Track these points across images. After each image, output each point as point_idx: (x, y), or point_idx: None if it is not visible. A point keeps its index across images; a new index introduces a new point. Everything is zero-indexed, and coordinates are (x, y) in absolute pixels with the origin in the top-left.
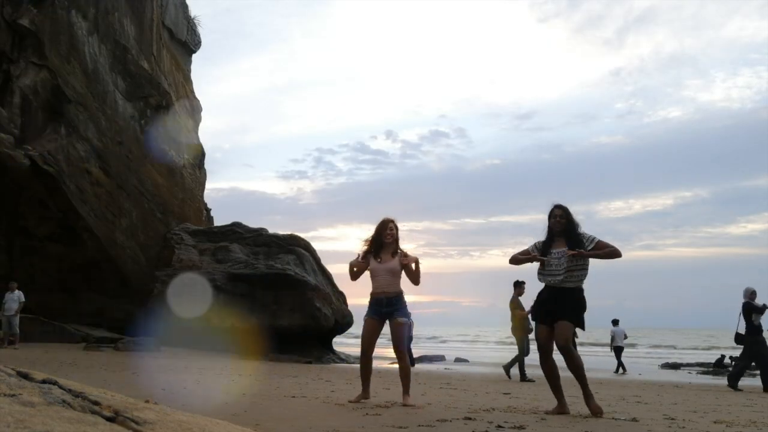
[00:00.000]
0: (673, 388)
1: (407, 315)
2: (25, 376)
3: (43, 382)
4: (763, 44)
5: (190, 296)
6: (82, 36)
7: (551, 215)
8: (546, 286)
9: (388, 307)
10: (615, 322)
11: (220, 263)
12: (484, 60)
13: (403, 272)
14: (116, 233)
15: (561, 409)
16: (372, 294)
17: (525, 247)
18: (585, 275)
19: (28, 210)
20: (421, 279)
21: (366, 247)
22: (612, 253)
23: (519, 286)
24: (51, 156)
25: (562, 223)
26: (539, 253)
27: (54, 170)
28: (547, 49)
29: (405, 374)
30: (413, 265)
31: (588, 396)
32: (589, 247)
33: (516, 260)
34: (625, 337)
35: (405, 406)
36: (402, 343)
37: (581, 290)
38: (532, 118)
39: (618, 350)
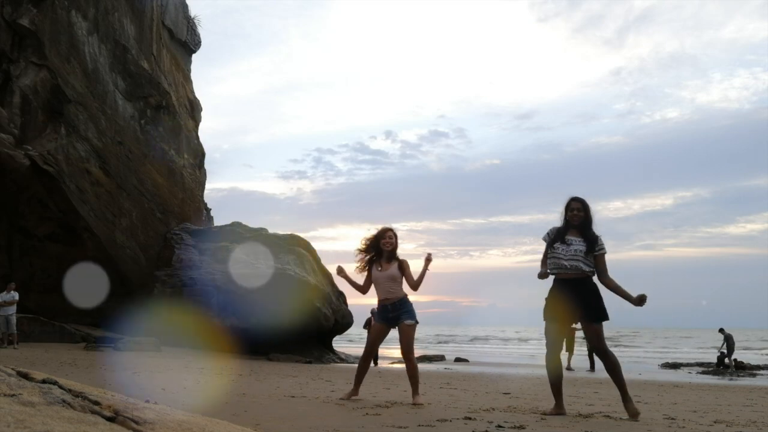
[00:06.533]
0: (673, 388)
1: (413, 317)
2: (25, 376)
3: (43, 382)
4: (760, 45)
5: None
6: (82, 36)
7: (568, 207)
8: (555, 279)
9: (393, 312)
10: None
11: (220, 263)
12: (483, 60)
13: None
14: (116, 233)
15: (558, 409)
16: (378, 301)
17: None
18: (593, 269)
19: (28, 210)
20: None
21: (363, 259)
22: (603, 283)
23: None
24: (51, 156)
25: (579, 217)
26: (550, 238)
27: (54, 170)
28: (547, 49)
29: (411, 374)
30: (426, 264)
31: (626, 398)
32: (596, 253)
33: (540, 276)
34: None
35: (415, 405)
36: (409, 347)
37: (592, 280)
38: (532, 118)
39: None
